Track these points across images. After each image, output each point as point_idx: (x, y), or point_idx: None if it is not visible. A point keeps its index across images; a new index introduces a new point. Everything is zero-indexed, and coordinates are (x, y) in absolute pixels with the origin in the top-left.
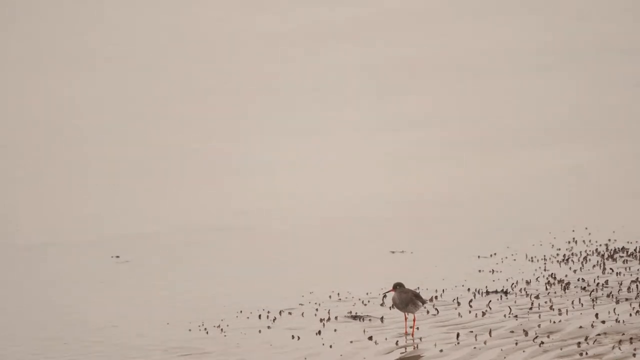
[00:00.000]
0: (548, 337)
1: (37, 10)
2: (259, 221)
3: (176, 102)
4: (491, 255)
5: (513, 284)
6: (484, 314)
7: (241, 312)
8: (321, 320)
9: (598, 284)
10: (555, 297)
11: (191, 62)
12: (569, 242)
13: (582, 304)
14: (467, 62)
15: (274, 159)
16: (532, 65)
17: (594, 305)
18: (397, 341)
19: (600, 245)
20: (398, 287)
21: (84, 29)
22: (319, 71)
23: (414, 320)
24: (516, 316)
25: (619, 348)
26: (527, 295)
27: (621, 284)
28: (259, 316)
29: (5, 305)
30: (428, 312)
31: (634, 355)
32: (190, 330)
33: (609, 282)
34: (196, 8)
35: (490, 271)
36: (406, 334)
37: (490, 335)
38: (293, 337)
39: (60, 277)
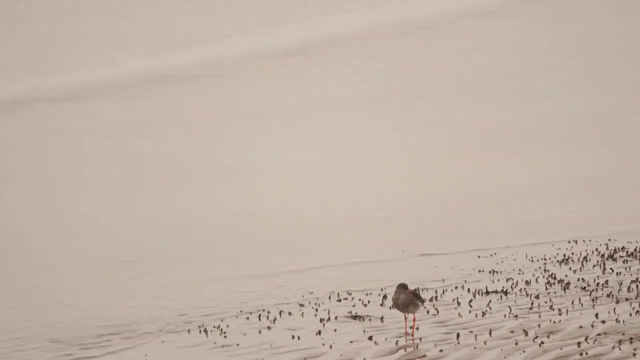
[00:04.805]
0: (548, 337)
1: None
2: (260, 221)
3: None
4: (491, 255)
5: (513, 284)
6: (484, 314)
7: (241, 312)
8: (321, 320)
9: (598, 284)
10: (555, 297)
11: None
12: (569, 242)
13: (582, 304)
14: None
15: (275, 160)
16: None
17: (594, 305)
18: (397, 341)
19: (600, 245)
20: (400, 288)
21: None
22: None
23: (414, 321)
24: (516, 316)
25: (619, 348)
26: (527, 295)
27: (621, 284)
28: (259, 316)
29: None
30: (428, 312)
31: (634, 355)
32: (189, 331)
33: (609, 282)
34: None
35: (490, 271)
36: (406, 334)
37: (490, 335)
38: (293, 337)
39: None
